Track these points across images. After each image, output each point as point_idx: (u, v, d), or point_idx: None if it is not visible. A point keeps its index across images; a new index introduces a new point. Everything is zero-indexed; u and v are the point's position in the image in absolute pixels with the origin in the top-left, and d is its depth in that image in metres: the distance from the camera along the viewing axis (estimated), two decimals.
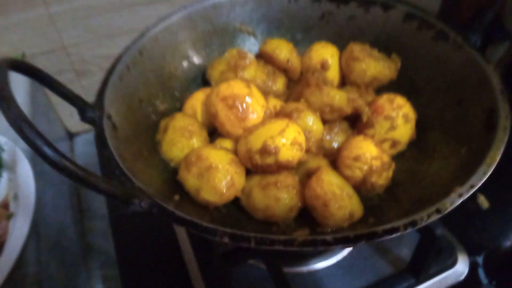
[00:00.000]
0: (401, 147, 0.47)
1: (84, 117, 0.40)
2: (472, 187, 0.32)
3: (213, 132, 0.49)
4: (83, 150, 0.86)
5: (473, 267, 0.51)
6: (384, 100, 0.46)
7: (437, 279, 0.49)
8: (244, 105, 0.43)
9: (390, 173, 0.43)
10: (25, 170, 0.52)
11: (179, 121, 0.45)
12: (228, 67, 0.51)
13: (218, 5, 0.55)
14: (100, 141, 0.37)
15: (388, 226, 0.30)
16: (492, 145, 0.35)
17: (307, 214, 0.41)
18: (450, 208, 0.31)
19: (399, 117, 0.45)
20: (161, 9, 0.73)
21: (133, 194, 0.32)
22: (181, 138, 0.44)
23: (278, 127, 0.40)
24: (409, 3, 0.52)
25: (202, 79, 0.56)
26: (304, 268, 0.52)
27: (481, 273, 0.51)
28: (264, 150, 0.39)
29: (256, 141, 0.40)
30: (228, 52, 0.53)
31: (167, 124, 0.46)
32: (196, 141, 0.44)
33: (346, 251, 0.53)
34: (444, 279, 0.49)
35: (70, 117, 0.85)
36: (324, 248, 0.29)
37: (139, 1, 0.70)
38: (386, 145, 0.45)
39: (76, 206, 0.73)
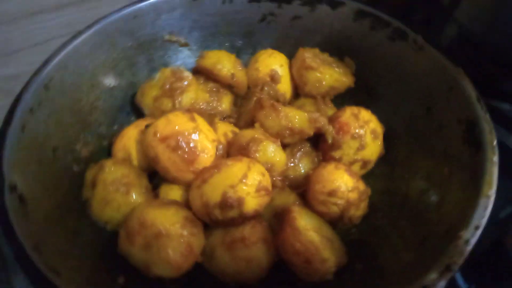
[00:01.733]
0: (370, 166, 0.42)
1: None
2: (477, 228, 0.28)
3: (155, 174, 0.40)
4: None
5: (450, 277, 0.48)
6: (348, 116, 0.40)
7: None
8: (190, 144, 0.35)
9: (366, 202, 0.38)
10: None
11: (110, 173, 0.36)
12: (163, 91, 0.42)
13: (139, 13, 0.46)
14: (5, 230, 0.27)
15: None
16: (485, 170, 0.30)
17: (279, 268, 0.35)
18: (461, 262, 0.26)
19: (367, 134, 0.40)
20: (68, 15, 0.64)
21: None
22: (116, 194, 0.35)
23: (238, 171, 0.33)
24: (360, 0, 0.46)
25: (132, 106, 0.47)
26: None
27: (459, 278, 0.49)
28: (225, 204, 0.32)
29: (213, 193, 0.32)
30: (160, 73, 0.44)
31: (95, 177, 0.36)
32: (136, 196, 0.36)
33: None
34: None
35: None
36: None
37: (42, 7, 0.62)
38: (356, 167, 0.40)
39: None
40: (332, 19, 0.48)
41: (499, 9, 0.55)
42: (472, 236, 0.27)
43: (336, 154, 0.40)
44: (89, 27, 0.43)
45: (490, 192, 0.29)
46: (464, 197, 0.31)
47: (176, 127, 0.35)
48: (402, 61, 0.44)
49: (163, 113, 0.40)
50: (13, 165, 0.32)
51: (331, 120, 0.41)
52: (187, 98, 0.43)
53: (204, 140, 0.36)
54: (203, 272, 0.35)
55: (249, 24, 0.51)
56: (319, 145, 0.42)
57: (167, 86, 0.42)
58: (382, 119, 0.43)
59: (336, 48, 0.49)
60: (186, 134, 0.35)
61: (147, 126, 0.38)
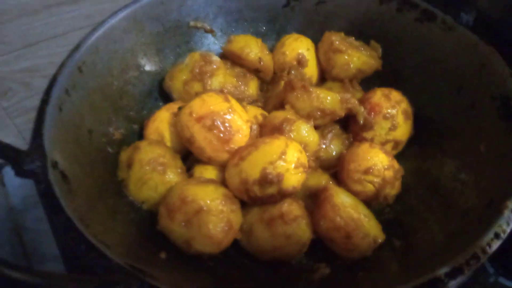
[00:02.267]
0: (401, 146, 0.42)
1: (20, 172, 0.29)
2: None
3: (187, 157, 0.40)
4: (16, 182, 0.73)
5: None
6: (379, 96, 0.41)
7: None
8: (226, 124, 0.35)
9: (400, 181, 0.38)
10: None
11: (146, 153, 0.36)
12: (192, 75, 0.43)
13: (165, 0, 0.46)
14: (50, 204, 0.27)
15: (443, 270, 0.24)
16: None
17: (318, 246, 0.35)
18: (509, 229, 0.26)
19: (399, 115, 0.40)
20: (86, 7, 0.65)
21: (113, 283, 0.23)
22: (153, 174, 0.35)
23: (277, 148, 0.33)
24: None
25: (160, 92, 0.47)
26: None
27: (486, 263, 0.49)
28: (265, 180, 0.32)
29: (252, 170, 0.32)
30: (189, 57, 0.44)
31: (130, 157, 0.37)
32: (172, 176, 0.36)
33: None
34: None
35: None
36: None
37: (61, 1, 0.63)
38: (388, 147, 0.40)
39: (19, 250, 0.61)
40: (357, 3, 0.49)
41: None
42: None
43: (368, 135, 0.40)
44: (118, 11, 0.43)
45: None
46: (504, 170, 0.30)
47: (211, 107, 0.36)
48: (431, 43, 0.44)
49: (193, 96, 0.40)
50: (53, 143, 0.32)
51: (362, 101, 0.41)
52: (216, 82, 0.43)
53: (238, 120, 0.36)
54: (239, 250, 0.35)
55: (273, 10, 0.51)
56: (350, 126, 0.42)
57: (197, 70, 0.43)
58: (410, 100, 0.43)
59: (361, 32, 0.49)
60: (222, 114, 0.36)
61: (180, 108, 0.39)
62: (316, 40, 0.49)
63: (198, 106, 0.36)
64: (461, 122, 0.39)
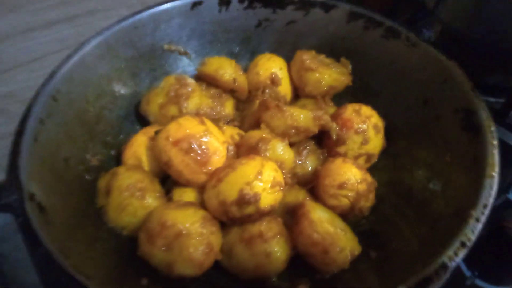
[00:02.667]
0: (374, 159, 0.43)
1: None
2: (485, 206, 0.29)
3: (165, 180, 0.41)
4: None
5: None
6: (350, 112, 0.42)
7: None
8: (202, 146, 0.36)
9: (374, 193, 0.40)
10: None
11: (124, 179, 0.36)
12: (168, 98, 0.43)
13: (139, 24, 0.47)
14: (29, 236, 0.27)
15: (416, 278, 0.26)
16: (486, 152, 0.32)
17: (296, 259, 0.36)
18: (474, 237, 0.28)
19: (369, 129, 0.41)
20: (60, 31, 0.65)
21: None
22: (131, 199, 0.36)
23: (253, 169, 0.34)
24: (350, 2, 0.49)
25: (136, 115, 0.47)
26: None
27: (463, 267, 0.50)
28: (242, 200, 0.33)
29: (230, 191, 0.33)
30: (164, 81, 0.45)
31: (108, 184, 0.37)
32: (151, 200, 0.36)
33: None
34: None
35: None
36: None
37: (33, 25, 0.62)
38: (361, 161, 0.42)
39: None
40: (326, 22, 0.50)
41: (481, 7, 0.58)
42: (481, 214, 0.29)
43: (341, 149, 0.42)
44: (91, 38, 0.44)
45: (494, 173, 0.31)
46: (469, 180, 0.32)
47: (187, 131, 0.36)
48: (396, 58, 0.46)
49: (169, 119, 0.40)
50: (29, 175, 0.32)
51: (334, 117, 0.43)
52: (192, 104, 0.44)
53: (215, 142, 0.37)
54: (220, 270, 0.36)
55: (246, 31, 0.52)
56: (324, 142, 0.43)
57: (172, 93, 0.43)
58: (381, 114, 0.45)
59: (331, 50, 0.51)
60: (198, 136, 0.36)
61: (156, 132, 0.39)
62: (288, 59, 0.50)
63: (174, 130, 0.36)
64: (428, 133, 0.41)
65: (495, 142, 0.33)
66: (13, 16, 0.62)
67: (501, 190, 0.57)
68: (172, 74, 0.48)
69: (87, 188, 0.38)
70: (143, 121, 0.47)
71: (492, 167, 0.32)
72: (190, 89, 0.44)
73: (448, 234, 0.29)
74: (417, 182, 0.39)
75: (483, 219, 0.29)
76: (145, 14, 0.47)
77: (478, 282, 0.49)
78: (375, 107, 0.45)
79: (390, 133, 0.45)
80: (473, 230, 0.28)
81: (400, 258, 0.33)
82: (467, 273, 0.50)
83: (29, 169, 0.33)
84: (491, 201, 0.30)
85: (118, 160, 0.43)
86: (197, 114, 0.40)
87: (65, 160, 0.37)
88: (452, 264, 0.27)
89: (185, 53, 0.51)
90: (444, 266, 0.26)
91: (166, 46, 0.49)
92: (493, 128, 0.35)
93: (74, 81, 0.41)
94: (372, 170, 0.44)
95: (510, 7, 0.54)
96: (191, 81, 0.45)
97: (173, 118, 0.39)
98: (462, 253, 0.27)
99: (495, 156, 0.32)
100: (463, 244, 0.27)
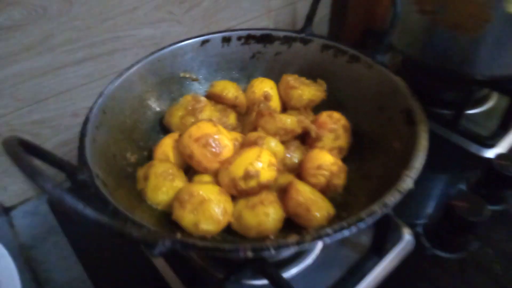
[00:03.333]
0: (345, 152, 0.57)
1: (75, 181, 0.41)
2: (416, 169, 0.42)
3: (187, 170, 0.54)
4: (24, 222, 0.81)
5: (416, 237, 0.62)
6: (324, 116, 0.56)
7: (394, 253, 0.59)
8: (216, 142, 0.49)
9: (345, 174, 0.53)
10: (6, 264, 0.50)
11: (159, 167, 0.49)
12: (187, 111, 0.57)
13: (161, 58, 0.61)
14: (101, 199, 0.40)
15: (367, 211, 0.38)
16: (419, 135, 0.46)
17: (289, 225, 0.48)
18: (408, 186, 0.40)
19: (339, 128, 0.55)
20: (87, 67, 0.74)
21: (156, 237, 0.35)
22: (165, 181, 0.48)
23: (254, 154, 0.47)
24: (323, 36, 0.64)
25: (160, 127, 0.61)
26: (285, 275, 0.58)
27: (424, 240, 0.62)
28: (247, 175, 0.45)
29: (238, 170, 0.46)
30: (183, 99, 0.58)
31: (146, 172, 0.49)
32: (179, 182, 0.49)
33: (317, 251, 0.60)
34: (399, 251, 0.59)
35: (3, 191, 0.80)
36: (329, 240, 0.36)
37: (65, 63, 0.70)
38: (335, 153, 0.55)
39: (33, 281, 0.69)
40: (305, 52, 0.65)
41: (428, 38, 0.74)
42: (414, 174, 0.42)
43: (319, 144, 0.55)
44: (128, 68, 0.58)
45: (423, 150, 0.44)
46: (408, 155, 0.45)
47: (205, 131, 0.49)
48: (359, 77, 0.60)
49: (189, 126, 0.54)
50: (93, 162, 0.45)
51: (313, 122, 0.56)
52: (205, 115, 0.57)
53: (225, 139, 0.50)
54: (231, 232, 0.48)
55: (243, 61, 0.67)
56: (306, 140, 0.57)
57: (190, 108, 0.57)
58: (348, 119, 0.58)
59: (310, 73, 0.65)
60: (212, 134, 0.49)
61: (180, 135, 0.52)
62: (277, 81, 0.64)
63: (195, 130, 0.50)
64: (384, 130, 0.54)
65: (426, 129, 0.47)
66: (50, 55, 0.69)
67: (454, 182, 0.71)
68: (186, 95, 0.62)
69: (129, 177, 0.51)
70: (166, 131, 0.60)
71: (423, 146, 0.45)
72: (203, 104, 0.58)
73: (390, 188, 0.41)
74: (375, 164, 0.52)
75: (413, 176, 0.42)
76: (166, 50, 0.61)
77: (437, 251, 0.61)
78: (344, 114, 0.59)
79: (356, 133, 0.58)
80: (406, 182, 0.41)
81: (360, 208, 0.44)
82: (427, 244, 0.62)
83: (92, 159, 0.45)
84: (420, 166, 0.42)
85: (149, 159, 0.56)
86: (211, 120, 0.53)
87: (114, 156, 0.50)
88: (391, 202, 0.39)
89: (196, 79, 0.65)
90: (385, 204, 0.39)
91: (182, 74, 0.64)
92: (425, 120, 0.48)
93: (116, 99, 0.54)
94: (345, 161, 0.57)
95: (451, 37, 0.70)
96: (203, 98, 0.59)
97: (192, 123, 0.52)
98: (399, 197, 0.40)
99: (425, 140, 0.45)
100: (398, 191, 0.40)
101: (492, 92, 0.88)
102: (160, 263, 0.57)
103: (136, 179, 0.51)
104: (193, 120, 0.56)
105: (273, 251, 0.35)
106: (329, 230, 0.37)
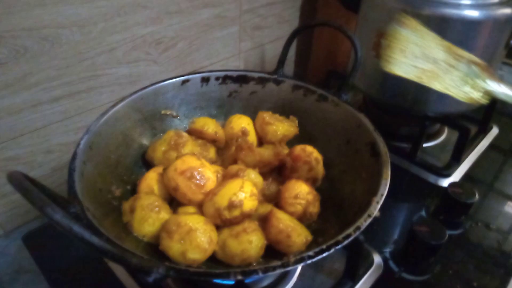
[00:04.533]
0: (318, 182, 0.61)
1: (68, 213, 0.43)
2: (382, 195, 0.47)
3: (171, 202, 0.56)
4: None
5: (385, 261, 0.67)
6: (298, 150, 0.61)
7: (366, 277, 0.63)
8: (200, 174, 0.53)
9: (319, 202, 0.57)
10: None
11: (145, 200, 0.51)
12: (169, 146, 0.60)
13: (144, 96, 0.64)
14: (93, 231, 0.41)
15: (343, 234, 0.43)
16: (382, 166, 0.52)
17: (269, 253, 0.51)
18: (376, 212, 0.45)
19: (312, 161, 0.60)
20: (63, 104, 0.75)
21: (151, 265, 0.37)
22: (151, 213, 0.50)
23: (237, 185, 0.50)
24: (294, 78, 0.70)
25: (143, 161, 0.63)
26: None
27: (391, 264, 0.67)
28: (231, 205, 0.49)
29: (222, 200, 0.49)
30: (166, 134, 0.62)
31: (132, 205, 0.51)
32: (165, 214, 0.51)
33: (295, 278, 0.63)
34: (370, 275, 0.64)
35: None
36: (310, 261, 0.40)
37: (41, 100, 0.71)
38: (309, 183, 0.60)
39: None
40: (278, 92, 0.71)
41: (385, 80, 0.83)
42: (379, 199, 0.47)
43: (294, 175, 0.59)
44: (113, 106, 0.60)
45: (388, 178, 0.50)
46: (374, 183, 0.51)
47: (190, 164, 0.53)
48: (327, 114, 0.66)
49: (172, 160, 0.57)
50: (83, 196, 0.46)
51: (288, 154, 0.61)
52: (187, 149, 0.60)
53: (208, 172, 0.54)
54: (216, 261, 0.50)
55: (221, 99, 0.72)
56: (282, 172, 0.61)
57: (172, 143, 0.60)
58: (320, 151, 0.63)
59: (283, 110, 0.70)
60: (197, 168, 0.53)
61: (165, 169, 0.55)
62: (252, 117, 0.69)
63: (180, 164, 0.53)
64: (351, 162, 0.60)
65: (388, 161, 0.53)
66: (27, 93, 0.69)
67: (416, 209, 0.77)
68: (169, 130, 0.65)
69: (114, 210, 0.53)
70: (148, 165, 0.62)
71: (387, 175, 0.51)
72: (185, 140, 0.61)
73: (360, 212, 0.46)
74: (346, 193, 0.57)
75: (380, 201, 0.47)
76: (149, 89, 0.65)
77: (404, 275, 0.66)
78: (316, 147, 0.64)
79: (326, 165, 0.63)
80: (375, 207, 0.46)
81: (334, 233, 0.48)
82: (395, 268, 0.66)
83: (81, 193, 0.47)
84: (385, 192, 0.48)
85: (132, 192, 0.58)
86: (194, 154, 0.57)
87: (100, 190, 0.52)
88: (363, 226, 0.44)
89: (176, 116, 0.69)
90: (358, 228, 0.43)
91: (163, 111, 0.67)
92: (386, 152, 0.54)
93: (102, 135, 0.56)
94: (317, 190, 0.61)
95: (404, 79, 0.78)
96: (185, 134, 0.62)
97: (177, 157, 0.55)
98: (369, 221, 0.44)
99: (388, 169, 0.51)
100: (369, 216, 0.45)
101: (444, 126, 0.98)
102: None
103: (121, 212, 0.53)
104: (176, 155, 0.59)
105: (261, 274, 0.38)
106: (310, 253, 0.40)
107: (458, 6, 0.72)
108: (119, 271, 0.62)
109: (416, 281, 0.64)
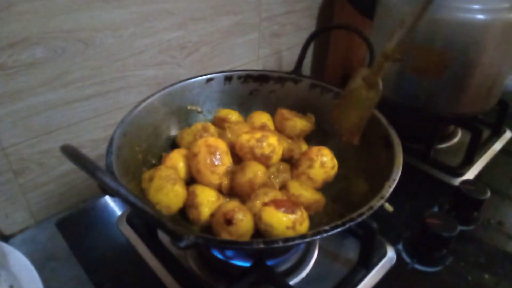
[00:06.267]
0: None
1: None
2: (394, 180, 0.51)
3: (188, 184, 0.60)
4: (22, 250, 0.83)
5: (398, 253, 0.69)
6: (313, 149, 0.65)
7: (379, 267, 0.65)
8: (219, 156, 0.58)
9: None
10: (19, 261, 0.53)
11: (164, 171, 0.56)
12: (195, 138, 0.64)
13: (172, 92, 0.70)
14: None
15: (356, 213, 0.46)
16: (395, 155, 0.55)
17: None
18: (389, 193, 0.48)
19: (317, 161, 0.63)
20: (95, 103, 0.80)
21: (183, 232, 0.41)
22: (167, 184, 0.54)
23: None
24: (311, 77, 0.75)
25: (171, 149, 0.68)
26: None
27: (404, 255, 0.70)
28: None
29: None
30: (194, 126, 0.67)
31: (151, 174, 0.56)
32: (179, 187, 0.55)
33: (311, 264, 0.66)
34: (383, 265, 0.66)
35: (4, 218, 0.82)
36: (326, 234, 0.43)
37: (75, 98, 0.75)
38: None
39: None
40: (296, 90, 0.75)
41: (398, 81, 0.86)
42: (392, 183, 0.50)
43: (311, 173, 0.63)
44: (143, 100, 0.66)
45: (399, 166, 0.53)
46: (388, 171, 0.54)
47: (217, 144, 0.58)
48: None
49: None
50: (118, 175, 0.51)
51: (304, 153, 0.65)
52: None
53: (226, 159, 0.59)
54: None
55: (242, 97, 0.76)
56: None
57: (198, 135, 0.64)
58: (335, 147, 0.67)
59: (300, 107, 0.74)
60: (221, 151, 0.58)
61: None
62: (272, 114, 0.74)
63: (212, 140, 0.58)
64: (367, 154, 0.64)
65: (400, 151, 0.56)
66: (63, 90, 0.74)
67: (429, 206, 0.79)
68: (197, 123, 0.69)
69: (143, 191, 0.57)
70: None
71: (399, 163, 0.54)
72: (210, 133, 0.65)
73: (374, 195, 0.49)
74: (361, 184, 0.60)
75: (393, 186, 0.50)
76: (177, 86, 0.70)
77: (417, 266, 0.68)
78: (332, 143, 0.67)
79: (343, 159, 0.67)
80: (387, 191, 0.49)
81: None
82: (408, 260, 0.69)
83: (117, 172, 0.52)
84: (397, 178, 0.51)
85: None
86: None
87: (133, 173, 0.57)
88: (375, 206, 0.47)
89: (201, 112, 0.74)
90: (370, 208, 0.47)
91: (189, 107, 0.72)
92: (399, 143, 0.57)
93: (134, 125, 0.61)
94: (336, 180, 0.65)
95: (417, 80, 0.82)
96: (212, 127, 0.66)
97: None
98: (381, 202, 0.48)
99: (400, 158, 0.54)
100: (382, 197, 0.48)
101: (458, 128, 1.01)
102: (168, 280, 0.61)
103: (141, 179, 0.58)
104: None
105: (281, 243, 0.42)
106: (326, 227, 0.44)
107: (469, 10, 0.75)
108: (151, 260, 0.65)
109: (428, 272, 0.66)
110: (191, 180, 0.60)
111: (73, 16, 0.68)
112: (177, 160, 0.60)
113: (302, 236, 0.43)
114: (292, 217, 0.50)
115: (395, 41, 0.57)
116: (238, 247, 0.42)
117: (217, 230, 0.52)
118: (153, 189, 0.54)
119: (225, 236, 0.49)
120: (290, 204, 0.51)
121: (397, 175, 0.51)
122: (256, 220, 0.51)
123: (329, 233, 0.44)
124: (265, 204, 0.51)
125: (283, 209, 0.48)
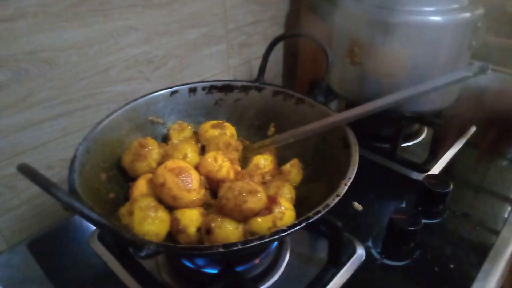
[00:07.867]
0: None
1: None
2: (350, 178, 0.53)
3: None
4: None
5: (368, 250, 0.71)
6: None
7: (349, 264, 0.67)
8: (187, 174, 0.58)
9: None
10: None
11: (141, 202, 0.55)
12: (134, 156, 0.64)
13: (137, 107, 0.71)
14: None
15: (313, 211, 0.48)
16: (352, 155, 0.57)
17: None
18: (344, 191, 0.50)
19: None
20: (62, 122, 0.79)
21: (143, 241, 0.42)
22: (149, 213, 0.54)
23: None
24: (274, 84, 0.77)
25: None
26: None
27: (373, 252, 0.71)
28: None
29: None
30: (131, 144, 0.66)
31: (130, 208, 0.55)
32: (161, 212, 0.55)
33: (283, 266, 0.67)
34: (353, 263, 0.67)
35: None
36: (284, 234, 0.44)
37: (42, 118, 0.75)
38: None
39: None
40: (260, 98, 0.77)
41: (360, 83, 0.89)
42: (347, 181, 0.52)
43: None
44: (107, 116, 0.66)
45: (355, 165, 0.55)
46: (344, 170, 0.56)
47: (179, 165, 0.58)
48: (305, 115, 0.72)
49: (137, 171, 0.63)
50: (81, 193, 0.52)
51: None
52: (152, 158, 0.65)
53: (194, 173, 0.59)
54: None
55: (207, 107, 0.78)
56: None
57: (137, 153, 0.64)
58: (299, 151, 0.69)
59: (265, 115, 0.76)
60: (185, 169, 0.58)
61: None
62: (237, 123, 0.75)
63: (170, 163, 0.58)
64: (327, 156, 0.66)
65: (356, 150, 0.58)
66: (29, 112, 0.73)
67: (396, 203, 0.82)
68: (134, 140, 0.68)
69: (110, 212, 0.57)
70: None
71: (355, 162, 0.56)
72: (148, 149, 0.65)
73: (331, 193, 0.51)
74: (323, 185, 0.62)
75: (348, 184, 0.52)
76: (141, 100, 0.71)
77: (385, 261, 0.70)
78: (296, 147, 0.69)
79: (305, 161, 0.69)
80: (343, 188, 0.51)
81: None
82: (377, 256, 0.71)
83: (80, 190, 0.52)
84: (352, 176, 0.53)
85: (125, 196, 0.62)
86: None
87: (97, 189, 0.57)
88: (331, 203, 0.49)
89: (163, 124, 0.74)
90: (326, 205, 0.48)
91: (150, 118, 0.72)
92: (355, 143, 0.60)
93: (97, 142, 0.62)
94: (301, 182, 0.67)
95: (378, 82, 0.85)
96: (150, 142, 0.66)
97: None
98: (337, 199, 0.49)
99: (356, 157, 0.56)
100: (337, 195, 0.50)
101: (423, 126, 1.04)
102: None
103: (116, 215, 0.57)
104: (144, 164, 0.64)
105: (240, 246, 0.43)
106: (284, 227, 0.45)
107: (422, 12, 0.79)
108: (124, 275, 0.65)
109: (396, 266, 0.68)
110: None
111: (35, 37, 0.69)
112: (144, 187, 0.60)
113: (260, 238, 0.44)
114: (270, 217, 0.52)
115: (258, 145, 0.71)
116: (199, 253, 0.43)
117: (204, 242, 0.53)
118: (136, 222, 0.53)
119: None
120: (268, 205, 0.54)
121: (352, 173, 0.53)
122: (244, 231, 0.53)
123: (287, 233, 0.45)
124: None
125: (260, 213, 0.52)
